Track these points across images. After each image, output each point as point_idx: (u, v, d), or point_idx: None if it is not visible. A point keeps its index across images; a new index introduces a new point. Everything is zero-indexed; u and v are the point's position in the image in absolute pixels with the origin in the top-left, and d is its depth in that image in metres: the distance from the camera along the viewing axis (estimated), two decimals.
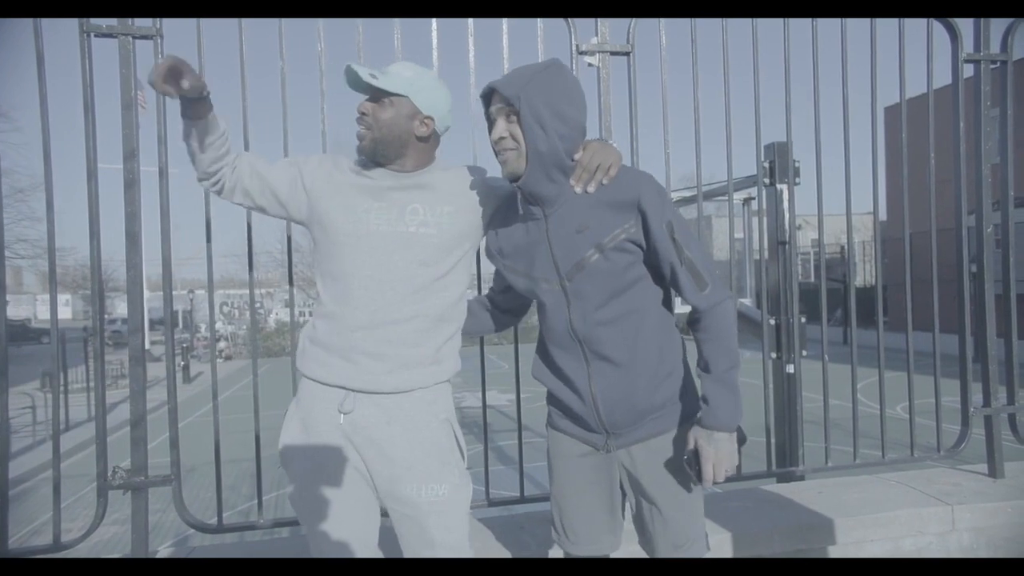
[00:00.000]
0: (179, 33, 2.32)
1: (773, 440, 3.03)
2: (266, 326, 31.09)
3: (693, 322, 1.57)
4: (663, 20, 2.59)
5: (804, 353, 4.49)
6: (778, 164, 4.97)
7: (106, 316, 2.08)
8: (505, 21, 2.49)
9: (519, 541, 2.39)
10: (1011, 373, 3.02)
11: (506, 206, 1.68)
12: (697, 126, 2.67)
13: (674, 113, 2.74)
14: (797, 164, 5.05)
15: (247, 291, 2.30)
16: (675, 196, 7.56)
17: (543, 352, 1.68)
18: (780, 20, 2.70)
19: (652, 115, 2.62)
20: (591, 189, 1.51)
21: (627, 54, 2.56)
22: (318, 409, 1.64)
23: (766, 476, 3.04)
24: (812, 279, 27.70)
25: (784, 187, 5.09)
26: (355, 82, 1.62)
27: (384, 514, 1.71)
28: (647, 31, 2.58)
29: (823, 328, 2.90)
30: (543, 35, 2.51)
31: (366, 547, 1.67)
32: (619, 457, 1.63)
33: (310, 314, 2.00)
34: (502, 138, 1.49)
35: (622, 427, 1.59)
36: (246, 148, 2.29)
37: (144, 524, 2.23)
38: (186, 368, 20.54)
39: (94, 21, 2.20)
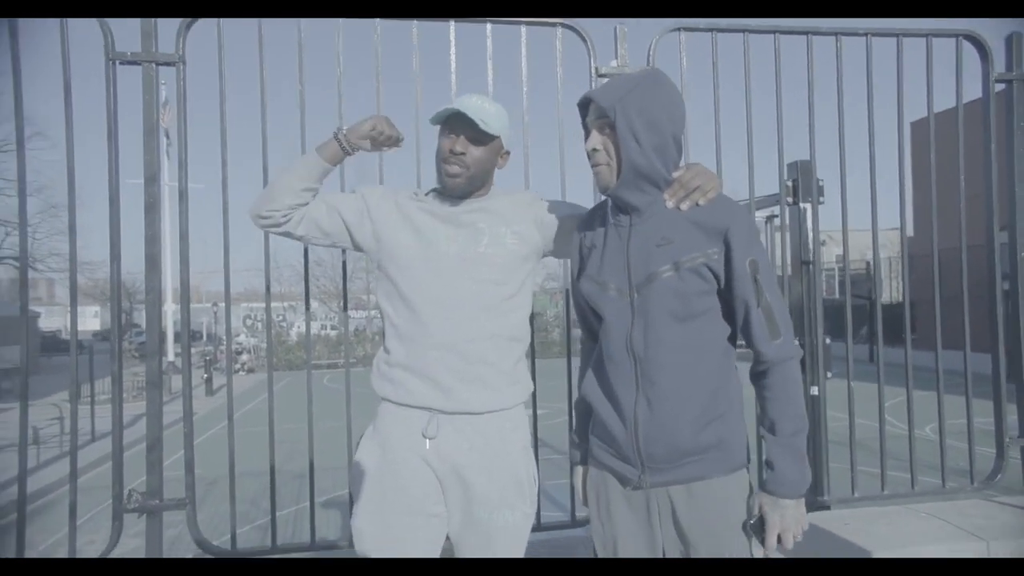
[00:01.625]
0: (199, 60, 2.35)
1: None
2: (288, 339, 31.36)
3: (757, 375, 1.49)
4: (683, 37, 2.57)
5: (829, 375, 4.39)
6: (801, 182, 4.90)
7: (133, 327, 2.11)
8: (524, 46, 2.49)
9: None
10: None
11: (591, 214, 1.69)
12: (718, 143, 2.64)
13: (694, 131, 2.71)
14: (821, 183, 4.98)
15: (272, 304, 2.37)
16: None
17: (596, 369, 1.61)
18: (803, 37, 2.68)
19: None
20: (684, 207, 1.48)
21: None
22: (399, 432, 1.65)
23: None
24: (836, 295, 27.27)
25: (807, 206, 5.03)
26: (450, 119, 1.66)
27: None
28: (667, 50, 2.55)
29: (848, 346, 2.83)
30: (562, 58, 2.51)
31: None
32: (658, 498, 1.52)
33: (331, 328, 1.99)
34: (595, 150, 1.49)
35: (659, 462, 1.49)
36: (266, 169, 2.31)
37: (158, 546, 2.23)
38: (209, 381, 20.75)
39: (119, 49, 2.24)
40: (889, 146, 2.85)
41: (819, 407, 4.92)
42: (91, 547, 2.23)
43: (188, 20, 2.27)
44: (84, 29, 2.31)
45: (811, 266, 5.14)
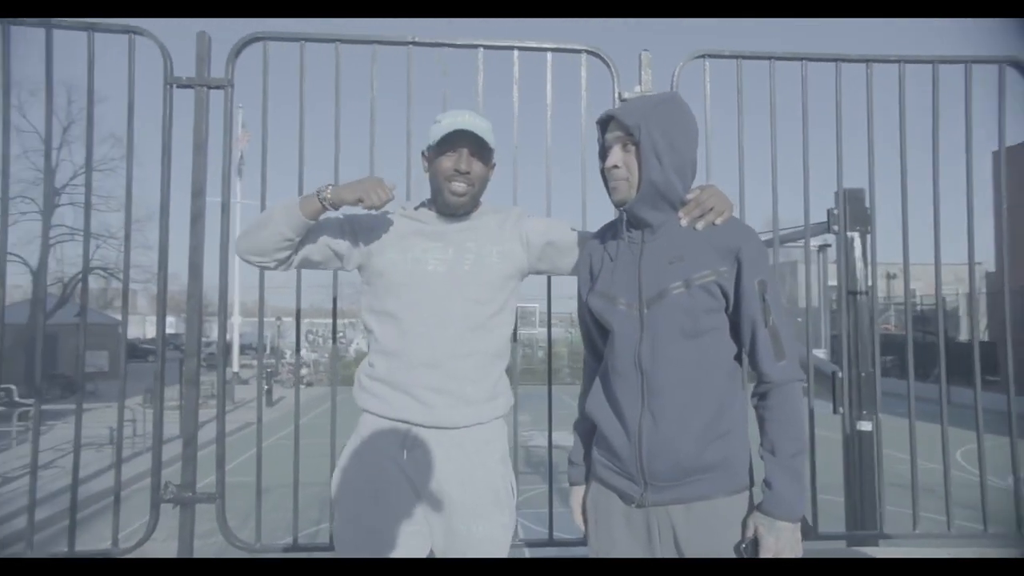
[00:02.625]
0: (245, 84, 2.54)
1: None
2: (347, 355, 32.15)
3: (760, 395, 1.51)
4: (708, 64, 2.60)
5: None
6: (849, 211, 4.77)
7: (203, 339, 2.33)
8: (550, 73, 2.58)
9: None
10: None
11: (601, 232, 1.72)
12: (741, 170, 2.64)
13: (718, 157, 2.73)
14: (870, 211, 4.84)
15: (332, 320, 2.47)
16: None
17: (602, 382, 1.62)
18: (831, 64, 2.66)
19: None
20: (699, 226, 1.52)
21: None
22: (379, 445, 1.69)
23: (838, 537, 2.87)
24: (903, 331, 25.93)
25: (856, 235, 4.89)
26: (452, 137, 1.67)
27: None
28: (690, 77, 2.59)
29: (910, 383, 2.73)
30: (587, 83, 2.58)
31: None
32: (658, 517, 1.52)
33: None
34: (616, 167, 1.53)
35: (662, 479, 1.48)
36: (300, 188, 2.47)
37: (190, 535, 2.38)
38: (269, 392, 21.54)
39: (176, 73, 2.45)
40: (949, 177, 2.72)
41: (867, 443, 4.74)
42: (142, 535, 2.39)
43: (237, 47, 2.47)
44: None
45: (860, 297, 4.97)
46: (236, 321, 32.12)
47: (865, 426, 4.87)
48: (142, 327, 49.42)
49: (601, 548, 1.60)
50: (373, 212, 1.73)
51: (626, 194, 1.54)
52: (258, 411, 2.49)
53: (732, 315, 1.51)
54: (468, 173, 1.69)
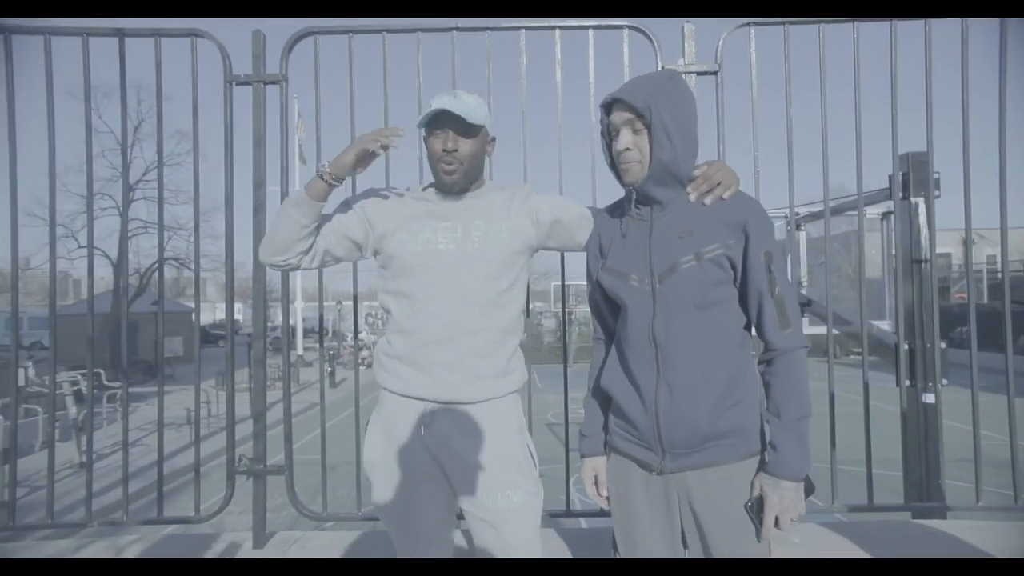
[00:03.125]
0: (297, 80, 2.66)
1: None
2: None
3: (767, 362, 1.55)
4: (754, 32, 2.55)
5: (944, 382, 4.08)
6: (912, 176, 4.57)
7: (268, 324, 2.52)
8: (592, 39, 2.58)
9: (595, 554, 2.43)
10: None
11: (610, 210, 1.75)
12: (790, 139, 2.59)
13: (772, 129, 2.69)
14: (937, 176, 4.63)
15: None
16: (805, 211, 7.13)
17: (616, 357, 1.67)
18: (885, 23, 2.57)
19: (742, 133, 2.60)
20: (707, 201, 1.56)
21: (714, 73, 2.55)
22: (400, 421, 1.76)
23: (900, 509, 2.84)
24: (985, 300, 24.56)
25: (920, 201, 4.68)
26: (436, 118, 1.72)
27: (460, 517, 1.84)
28: (736, 45, 2.55)
29: (972, 352, 2.65)
30: (629, 59, 2.58)
31: (444, 547, 1.80)
32: (676, 483, 1.58)
33: None
34: (627, 149, 1.55)
35: (680, 447, 1.54)
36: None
37: (263, 503, 2.55)
38: (332, 374, 22.30)
39: (235, 71, 2.58)
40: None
41: (932, 416, 4.59)
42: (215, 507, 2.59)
43: (290, 42, 2.58)
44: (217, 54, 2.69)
45: (923, 265, 4.79)
46: (299, 306, 33.27)
47: (929, 398, 4.72)
48: (212, 313, 51.86)
49: (622, 516, 1.66)
50: (385, 195, 1.81)
51: (638, 175, 1.56)
52: (321, 389, 2.63)
53: (740, 286, 1.55)
54: (455, 151, 1.72)
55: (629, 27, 2.57)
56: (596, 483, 1.74)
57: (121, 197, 22.73)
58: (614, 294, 1.64)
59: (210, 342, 38.83)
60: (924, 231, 4.84)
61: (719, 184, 1.56)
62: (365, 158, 1.73)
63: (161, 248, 2.73)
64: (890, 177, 4.37)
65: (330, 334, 34.24)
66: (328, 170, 1.70)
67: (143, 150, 23.65)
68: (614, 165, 1.62)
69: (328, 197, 1.73)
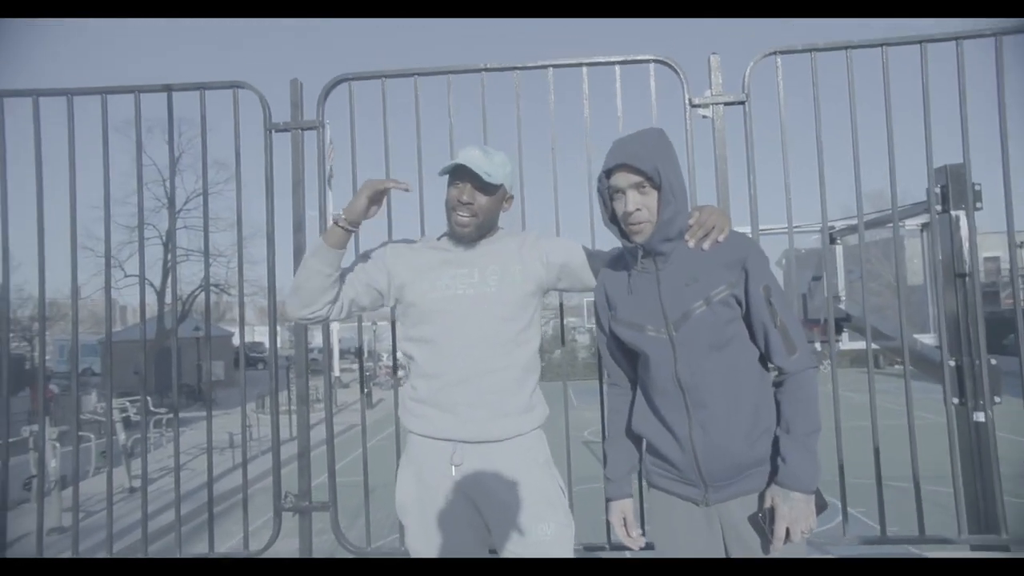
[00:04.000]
0: (334, 126, 2.75)
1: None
2: None
3: (778, 384, 1.65)
4: (780, 60, 2.56)
5: (997, 400, 3.96)
6: (952, 188, 4.48)
7: (308, 345, 2.62)
8: (618, 72, 2.62)
9: None
10: None
11: (613, 264, 1.83)
12: (821, 167, 2.58)
13: (801, 151, 2.68)
14: (977, 187, 4.53)
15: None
16: (842, 223, 6.99)
17: (645, 403, 1.75)
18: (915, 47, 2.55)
19: (771, 160, 2.60)
20: (705, 246, 1.65)
21: (742, 103, 2.57)
22: (430, 463, 1.82)
23: (956, 542, 2.69)
24: None
25: (960, 213, 4.58)
26: (456, 170, 1.81)
27: (493, 552, 1.87)
28: (762, 73, 2.56)
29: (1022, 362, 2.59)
30: (656, 92, 2.61)
31: None
32: (719, 513, 1.67)
33: None
34: (637, 210, 1.62)
35: (720, 479, 1.63)
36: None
37: (308, 539, 2.62)
38: (369, 395, 22.56)
39: (274, 120, 2.69)
40: None
41: (986, 435, 4.43)
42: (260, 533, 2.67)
43: (326, 89, 2.68)
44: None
45: (967, 279, 4.67)
46: (335, 327, 33.72)
47: (979, 417, 4.57)
48: (251, 336, 53.01)
49: (669, 547, 1.73)
50: (402, 246, 1.90)
51: (647, 233, 1.64)
52: (363, 425, 2.69)
53: (745, 319, 1.65)
54: (471, 204, 1.80)
55: (656, 61, 2.60)
56: (625, 524, 1.80)
57: (167, 226, 23.48)
58: (633, 345, 1.72)
59: (250, 365, 39.54)
60: (966, 244, 4.72)
61: (713, 228, 1.66)
62: (376, 198, 1.79)
63: (207, 279, 2.84)
64: (927, 190, 4.29)
65: (366, 355, 34.60)
66: (344, 217, 1.78)
67: (183, 180, 24.46)
68: (614, 223, 1.69)
69: (346, 244, 1.80)
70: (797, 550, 1.61)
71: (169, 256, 23.37)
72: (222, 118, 2.84)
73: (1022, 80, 2.71)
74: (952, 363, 4.78)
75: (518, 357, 1.82)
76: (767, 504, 1.59)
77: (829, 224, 7.01)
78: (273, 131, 2.70)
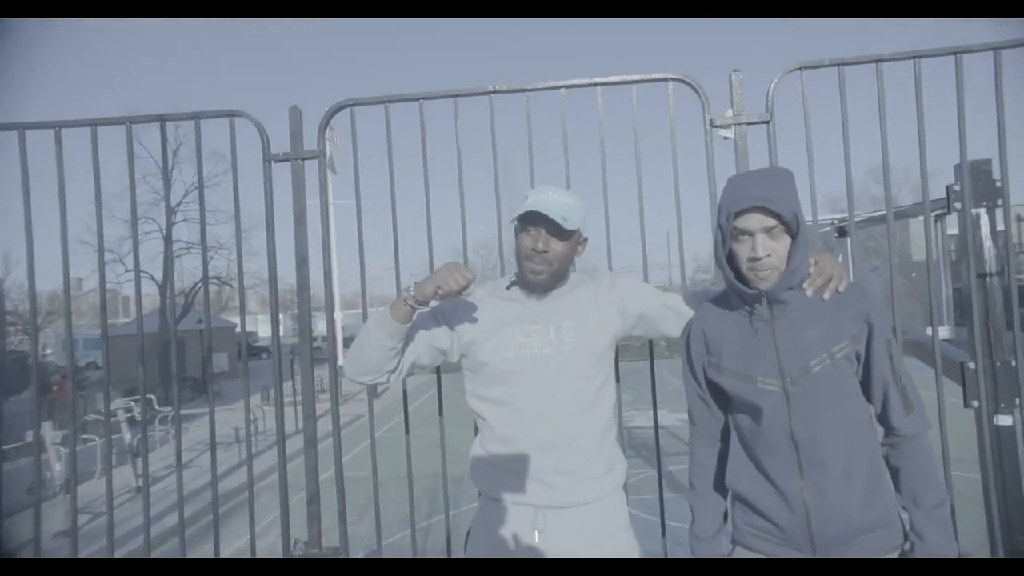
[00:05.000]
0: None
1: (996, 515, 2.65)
2: None
3: (892, 446, 1.58)
4: (805, 75, 2.42)
5: (1018, 402, 3.87)
6: (972, 186, 4.34)
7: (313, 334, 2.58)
8: (635, 92, 2.49)
9: None
10: None
11: (713, 306, 1.72)
12: (849, 183, 2.46)
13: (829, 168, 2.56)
14: (998, 183, 4.40)
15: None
16: (860, 217, 6.85)
17: (747, 458, 1.65)
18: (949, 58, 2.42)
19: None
20: (826, 296, 1.57)
21: (766, 123, 2.43)
22: (510, 527, 1.74)
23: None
24: None
25: (983, 211, 4.45)
26: (529, 214, 1.69)
27: None
28: (786, 91, 2.43)
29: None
30: (673, 111, 2.47)
31: None
32: None
33: None
34: (768, 256, 1.52)
35: (834, 544, 1.54)
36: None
37: None
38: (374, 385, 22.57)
39: (273, 151, 2.56)
40: None
41: (1010, 440, 4.33)
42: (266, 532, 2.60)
43: (327, 117, 2.55)
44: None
45: (988, 279, 4.54)
46: (339, 315, 33.66)
47: (1004, 420, 4.47)
48: (254, 325, 53.04)
49: None
50: (465, 299, 1.75)
51: (774, 281, 1.54)
52: (372, 464, 2.60)
53: (862, 374, 1.57)
54: (546, 252, 1.69)
55: (674, 79, 2.46)
56: None
57: (164, 220, 23.31)
58: (741, 398, 1.61)
59: (253, 355, 39.70)
60: (987, 243, 4.59)
61: (832, 278, 1.57)
62: (442, 294, 1.70)
63: (206, 273, 2.70)
64: (948, 188, 4.15)
65: None
66: (413, 295, 1.69)
67: (181, 173, 24.20)
68: (729, 266, 1.58)
69: (412, 319, 1.73)
70: None
71: (171, 251, 23.18)
72: (222, 140, 2.70)
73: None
74: (972, 366, 4.70)
75: (598, 416, 1.75)
76: None
77: (841, 217, 6.89)
78: (272, 162, 2.57)
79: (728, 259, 1.58)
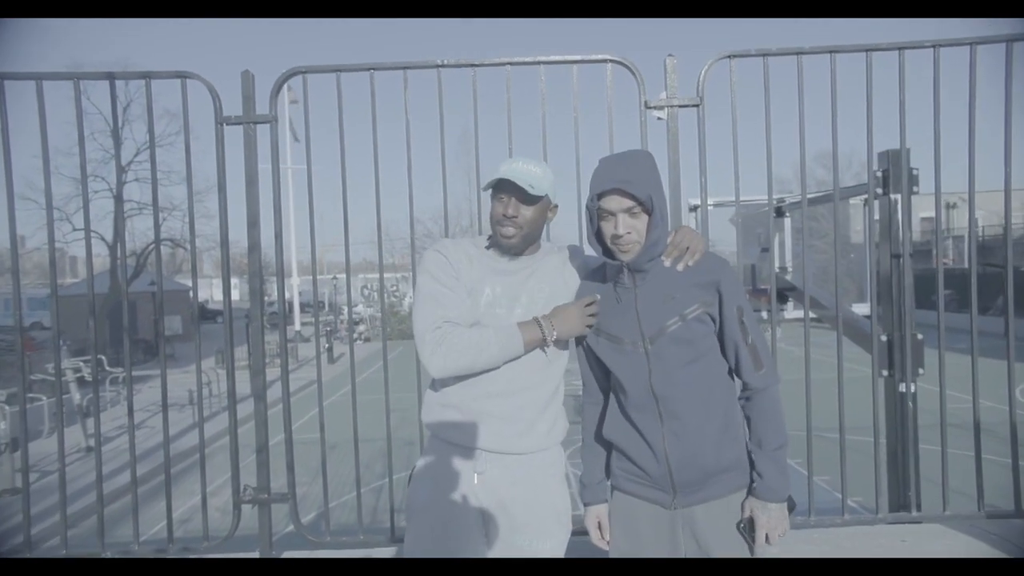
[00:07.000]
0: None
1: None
2: (401, 309, 32.87)
3: (745, 398, 1.78)
4: (734, 63, 2.60)
5: (920, 372, 4.22)
6: (892, 172, 4.64)
7: (266, 298, 2.68)
8: (576, 72, 2.63)
9: None
10: None
11: (592, 275, 1.90)
12: (769, 169, 2.66)
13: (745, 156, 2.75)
14: (915, 172, 4.73)
15: (386, 275, 2.65)
16: (789, 200, 7.17)
17: (618, 411, 1.84)
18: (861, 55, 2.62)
19: (724, 159, 2.67)
20: (680, 268, 1.75)
21: (696, 106, 2.61)
22: (452, 468, 1.86)
23: (872, 522, 2.89)
24: (966, 264, 24.75)
25: (898, 197, 4.75)
26: (500, 184, 1.81)
27: None
28: (717, 77, 2.61)
29: (972, 315, 2.78)
30: (611, 91, 2.63)
31: None
32: (682, 517, 1.77)
33: None
34: (628, 233, 1.69)
35: (689, 486, 1.74)
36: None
37: (268, 532, 2.69)
38: (330, 350, 22.48)
39: (226, 113, 2.63)
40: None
41: (908, 407, 4.71)
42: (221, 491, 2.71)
43: (279, 83, 2.62)
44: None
45: (900, 260, 4.89)
46: (295, 281, 33.19)
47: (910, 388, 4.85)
48: (209, 290, 51.93)
49: (629, 548, 1.84)
50: (462, 254, 1.88)
51: (635, 254, 1.72)
52: (321, 437, 2.74)
53: (718, 335, 1.76)
54: (515, 217, 1.82)
55: (612, 61, 2.61)
56: (600, 528, 1.91)
57: (114, 179, 22.52)
58: (612, 358, 1.80)
59: (207, 319, 38.91)
60: (901, 228, 4.92)
61: (687, 249, 1.75)
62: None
63: (157, 232, 2.74)
64: (871, 173, 4.44)
65: (326, 308, 34.29)
66: (556, 336, 1.80)
67: (132, 131, 23.36)
68: (599, 242, 1.76)
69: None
70: (771, 551, 1.77)
71: (121, 210, 22.44)
72: (174, 99, 2.74)
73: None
74: (883, 338, 5.05)
75: (550, 376, 1.88)
76: (746, 515, 1.73)
77: (779, 197, 7.18)
78: (225, 124, 2.64)
79: (597, 235, 1.77)
